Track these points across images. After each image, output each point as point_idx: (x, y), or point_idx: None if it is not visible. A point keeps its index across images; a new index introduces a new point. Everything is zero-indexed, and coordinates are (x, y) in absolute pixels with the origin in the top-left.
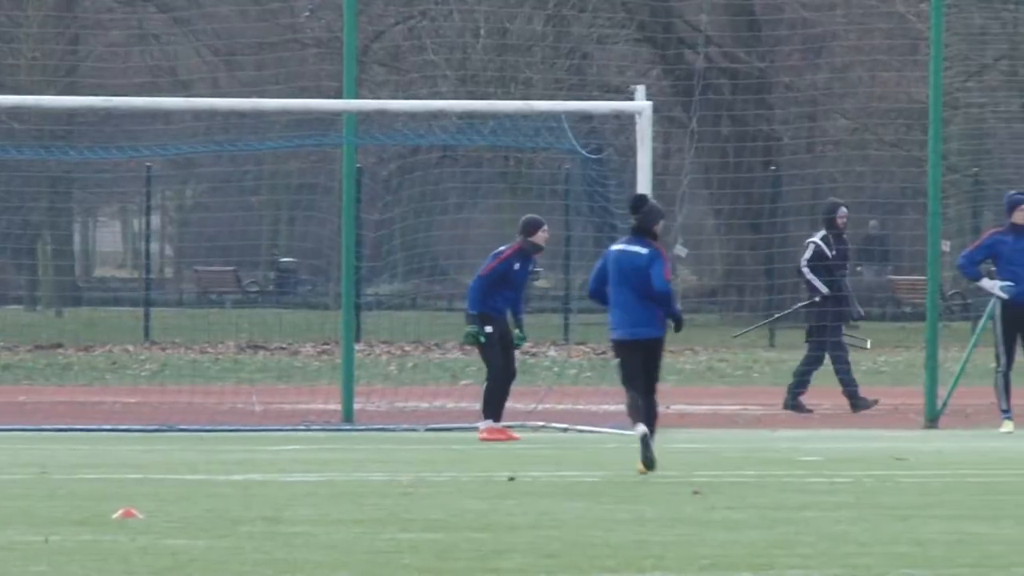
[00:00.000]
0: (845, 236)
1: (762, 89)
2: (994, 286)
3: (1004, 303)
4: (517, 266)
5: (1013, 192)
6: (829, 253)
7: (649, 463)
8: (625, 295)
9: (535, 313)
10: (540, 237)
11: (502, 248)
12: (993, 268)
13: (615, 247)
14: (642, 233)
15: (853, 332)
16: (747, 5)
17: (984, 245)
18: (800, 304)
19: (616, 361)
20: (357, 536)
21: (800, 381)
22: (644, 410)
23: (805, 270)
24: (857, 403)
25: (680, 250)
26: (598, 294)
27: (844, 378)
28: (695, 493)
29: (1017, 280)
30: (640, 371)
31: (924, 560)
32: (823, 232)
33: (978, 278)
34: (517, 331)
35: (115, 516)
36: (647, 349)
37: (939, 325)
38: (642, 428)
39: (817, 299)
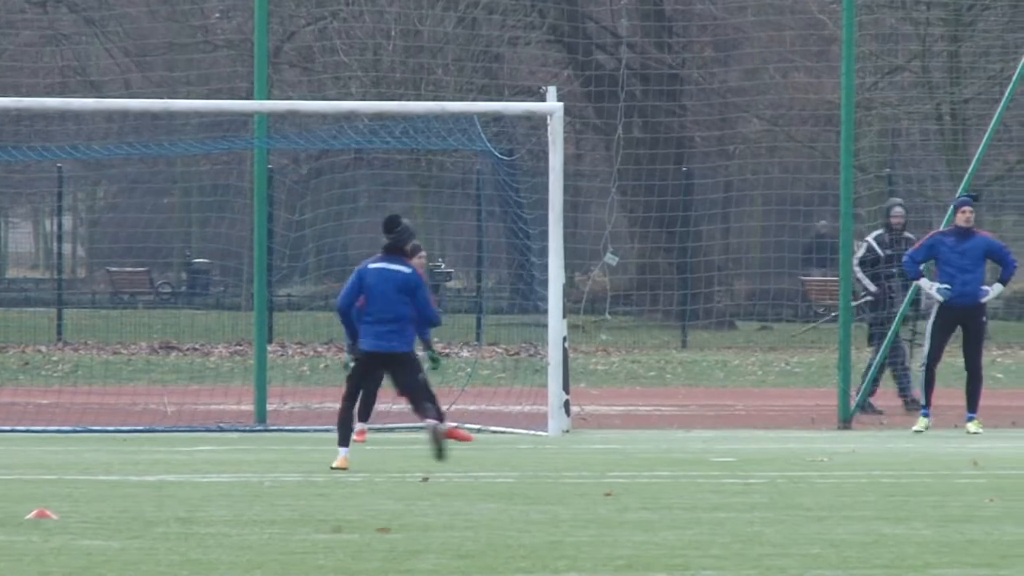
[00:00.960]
0: (906, 235)
1: (674, 90)
2: (931, 287)
3: (941, 304)
4: None
5: (961, 195)
6: (881, 252)
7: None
8: (382, 310)
9: (448, 314)
10: (417, 261)
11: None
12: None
13: (372, 265)
14: (396, 252)
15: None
16: (657, 7)
17: (925, 245)
18: (855, 303)
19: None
20: (271, 537)
21: (874, 380)
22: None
23: (856, 269)
24: (865, 407)
25: (611, 259)
26: (349, 311)
27: (898, 377)
28: (607, 495)
29: (954, 282)
30: (372, 384)
31: (839, 561)
32: (879, 231)
33: (918, 277)
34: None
35: (29, 516)
36: (397, 362)
37: (851, 325)
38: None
39: (870, 298)
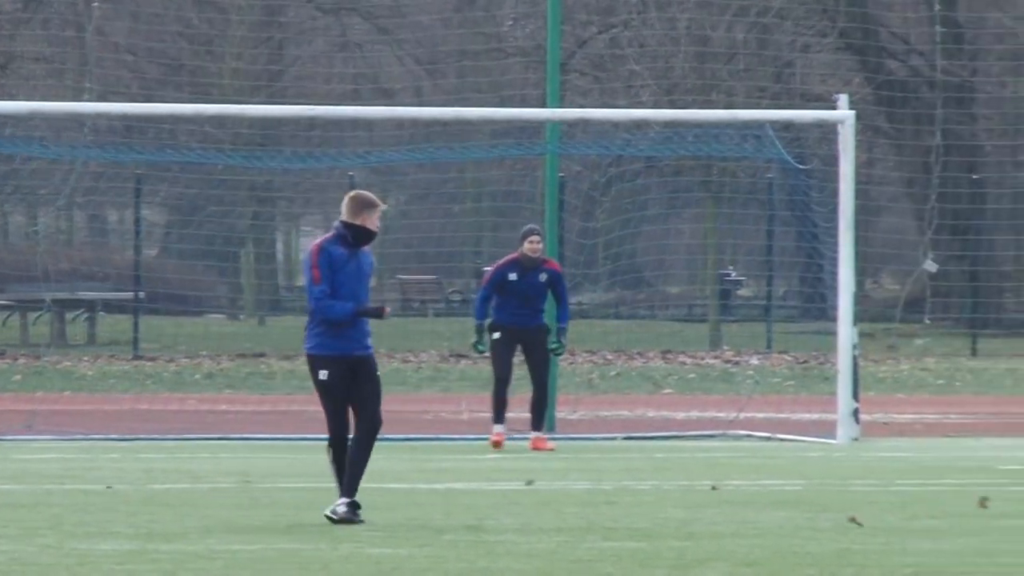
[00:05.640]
0: None
1: (966, 97)
2: None
3: None
4: (513, 276)
5: None
6: None
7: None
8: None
9: (737, 322)
10: (527, 247)
11: (503, 259)
12: None
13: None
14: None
15: None
16: (950, 15)
17: None
18: None
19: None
20: (559, 545)
21: None
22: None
23: None
24: None
25: (930, 265)
26: None
27: None
28: (982, 503)
29: None
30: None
31: None
32: None
33: None
34: (554, 338)
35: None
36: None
37: None
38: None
39: None
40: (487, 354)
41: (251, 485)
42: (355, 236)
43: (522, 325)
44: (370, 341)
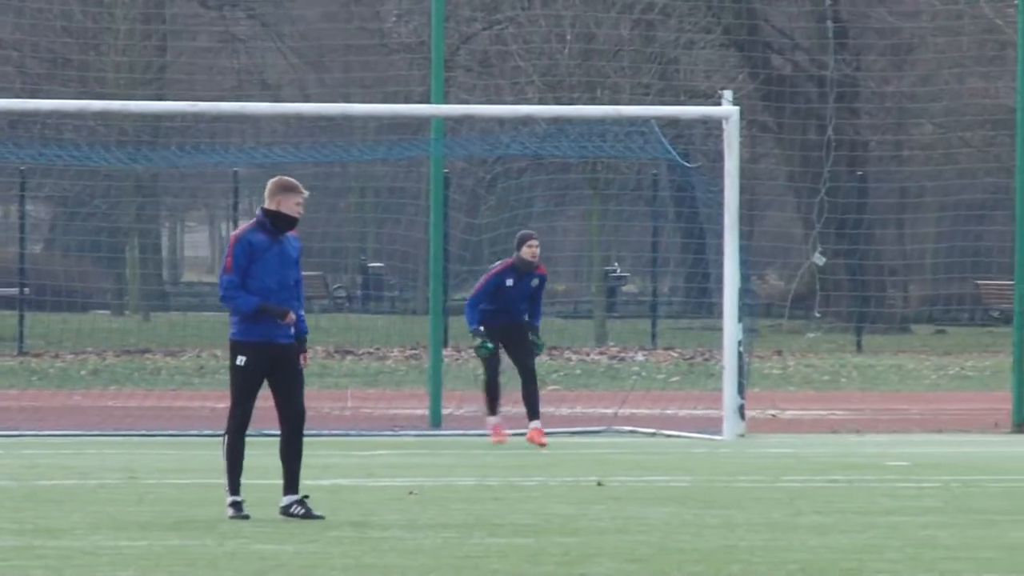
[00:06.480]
0: None
1: (849, 93)
2: None
3: None
4: (510, 282)
5: None
6: None
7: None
8: None
9: (622, 318)
10: (525, 252)
11: (495, 264)
12: None
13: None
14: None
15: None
16: (835, 11)
17: None
18: None
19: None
20: (445, 541)
21: None
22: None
23: None
24: None
25: (818, 258)
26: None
27: None
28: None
29: None
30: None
31: (1012, 565)
32: None
33: None
34: (534, 338)
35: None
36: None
37: None
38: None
39: None
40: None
41: (137, 481)
42: (274, 222)
43: (505, 324)
44: (293, 331)
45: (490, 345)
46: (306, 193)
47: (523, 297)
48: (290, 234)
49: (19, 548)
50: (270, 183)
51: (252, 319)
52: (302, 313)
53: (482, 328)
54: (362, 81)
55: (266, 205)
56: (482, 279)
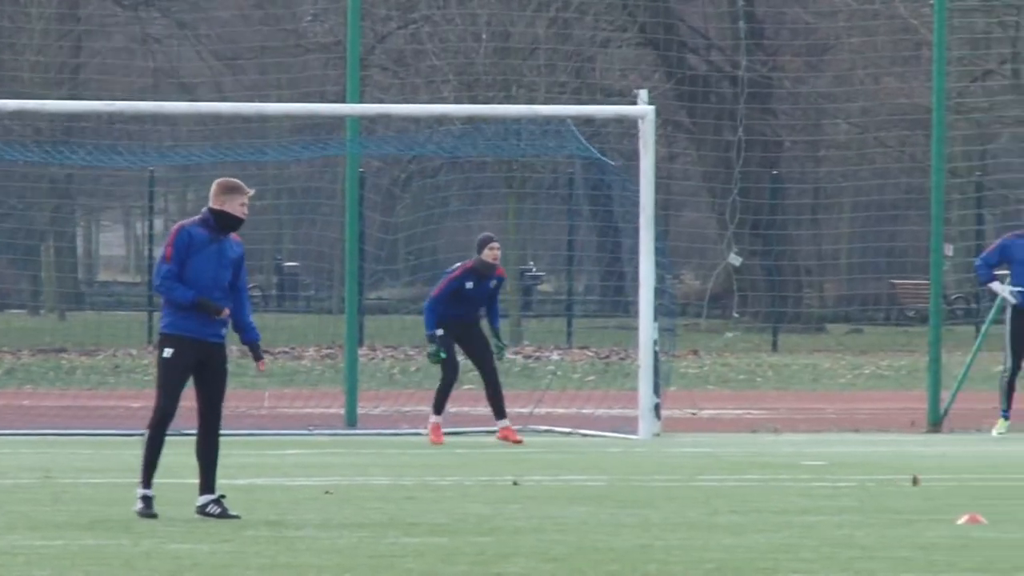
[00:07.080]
0: None
1: (764, 93)
2: (1004, 290)
3: (1015, 308)
4: (470, 284)
5: None
6: None
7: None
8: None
9: (538, 317)
10: (487, 254)
11: (455, 266)
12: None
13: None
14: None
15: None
16: (750, 11)
17: (998, 247)
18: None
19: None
20: (361, 540)
21: None
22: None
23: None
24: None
25: (735, 259)
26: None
27: None
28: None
29: None
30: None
31: (927, 564)
32: None
33: (991, 280)
34: (496, 341)
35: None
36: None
37: (942, 329)
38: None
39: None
40: (445, 357)
41: (52, 481)
42: (218, 221)
43: (464, 326)
44: (225, 331)
45: (443, 354)
46: (251, 192)
47: (482, 299)
48: (233, 237)
49: None
50: (215, 184)
51: (184, 313)
52: (251, 320)
53: (440, 332)
54: (278, 81)
55: (211, 204)
56: (441, 282)
